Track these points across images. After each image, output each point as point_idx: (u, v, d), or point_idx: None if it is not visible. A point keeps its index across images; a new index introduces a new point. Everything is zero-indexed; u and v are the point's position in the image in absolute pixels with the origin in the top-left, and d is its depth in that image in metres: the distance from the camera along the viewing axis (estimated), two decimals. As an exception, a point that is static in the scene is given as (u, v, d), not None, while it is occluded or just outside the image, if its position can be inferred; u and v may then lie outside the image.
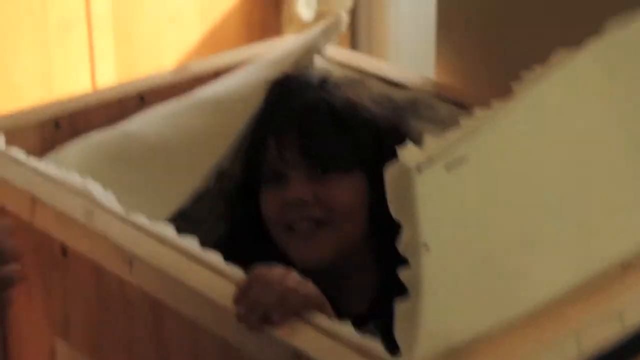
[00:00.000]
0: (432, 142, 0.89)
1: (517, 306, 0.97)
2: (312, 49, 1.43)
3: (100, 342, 1.21)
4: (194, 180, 1.39)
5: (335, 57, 1.58)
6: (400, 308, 0.90)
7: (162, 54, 2.51)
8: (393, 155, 1.27)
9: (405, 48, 2.62)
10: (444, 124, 1.41)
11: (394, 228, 1.22)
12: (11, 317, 1.34)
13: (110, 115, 1.42)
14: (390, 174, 0.89)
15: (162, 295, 1.05)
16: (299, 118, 1.30)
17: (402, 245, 0.89)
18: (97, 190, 1.17)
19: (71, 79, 2.28)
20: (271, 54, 1.49)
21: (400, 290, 1.17)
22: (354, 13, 2.82)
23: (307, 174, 1.28)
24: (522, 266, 0.98)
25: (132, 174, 1.35)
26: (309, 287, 0.99)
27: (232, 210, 1.40)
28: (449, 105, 1.45)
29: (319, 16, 3.02)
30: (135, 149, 1.37)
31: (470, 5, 1.56)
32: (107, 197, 1.17)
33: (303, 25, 3.06)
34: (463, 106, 1.44)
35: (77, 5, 2.27)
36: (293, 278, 0.99)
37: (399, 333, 0.90)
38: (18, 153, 1.27)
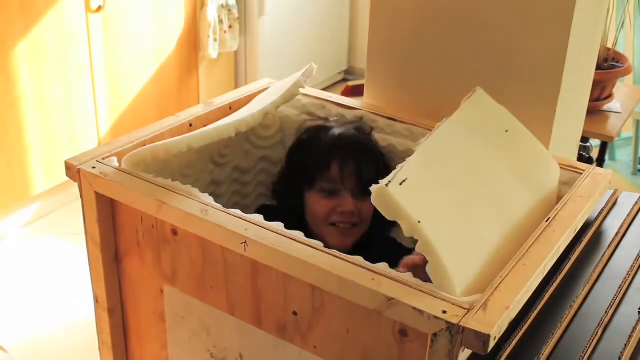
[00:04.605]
0: (390, 175, 1.35)
1: (494, 235, 1.44)
2: (298, 85, 1.96)
3: (203, 286, 1.58)
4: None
5: (305, 92, 2.18)
6: (430, 268, 1.31)
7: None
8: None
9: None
10: (384, 132, 1.99)
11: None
12: (124, 270, 1.76)
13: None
14: (375, 194, 1.32)
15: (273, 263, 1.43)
16: (356, 153, 1.82)
17: (407, 231, 1.31)
18: (203, 195, 1.59)
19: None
20: (270, 89, 2.05)
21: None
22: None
23: (353, 192, 1.80)
24: (476, 216, 1.48)
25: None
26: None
27: (275, 194, 1.90)
28: (384, 119, 2.01)
29: (220, 55, 4.45)
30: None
31: (394, 51, 2.09)
32: (210, 199, 1.59)
33: (211, 61, 4.37)
34: (392, 119, 2.00)
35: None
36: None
37: (439, 283, 1.31)
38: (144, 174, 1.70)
